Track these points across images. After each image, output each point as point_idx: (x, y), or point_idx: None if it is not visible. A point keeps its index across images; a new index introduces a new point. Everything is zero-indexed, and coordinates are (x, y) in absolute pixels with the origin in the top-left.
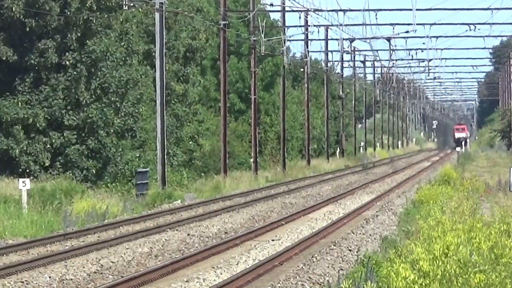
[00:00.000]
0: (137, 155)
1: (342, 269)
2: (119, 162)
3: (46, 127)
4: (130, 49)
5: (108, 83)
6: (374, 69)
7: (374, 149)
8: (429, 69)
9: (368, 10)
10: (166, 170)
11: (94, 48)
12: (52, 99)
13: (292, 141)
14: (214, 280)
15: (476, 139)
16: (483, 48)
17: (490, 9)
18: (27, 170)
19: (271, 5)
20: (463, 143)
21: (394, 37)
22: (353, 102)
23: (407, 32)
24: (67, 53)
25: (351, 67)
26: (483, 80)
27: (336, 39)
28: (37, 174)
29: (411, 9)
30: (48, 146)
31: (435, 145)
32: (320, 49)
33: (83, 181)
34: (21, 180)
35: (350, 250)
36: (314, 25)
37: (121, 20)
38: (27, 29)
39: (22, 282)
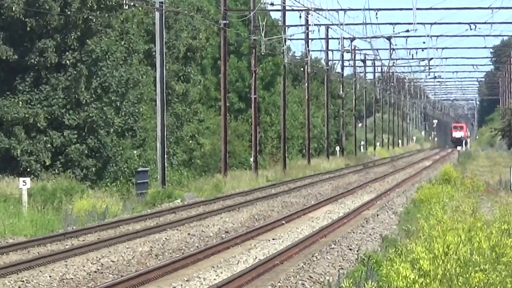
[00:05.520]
0: (137, 154)
1: (342, 268)
2: (119, 162)
3: (47, 126)
4: (131, 48)
5: (109, 82)
6: (374, 68)
7: (374, 148)
8: (429, 68)
9: (369, 9)
10: (166, 169)
11: (95, 47)
12: (52, 99)
13: (292, 140)
14: (214, 279)
15: (476, 138)
16: (483, 48)
17: (491, 8)
18: (28, 169)
19: (272, 4)
20: (463, 142)
21: (394, 36)
22: (354, 101)
23: (407, 31)
24: (67, 53)
25: (351, 66)
26: (483, 79)
27: (337, 38)
28: (38, 173)
29: (411, 9)
30: (49, 145)
31: (434, 144)
32: (321, 48)
33: (83, 180)
34: (21, 179)
35: (350, 249)
36: (315, 24)
37: (121, 19)
38: (27, 28)
39: (22, 281)
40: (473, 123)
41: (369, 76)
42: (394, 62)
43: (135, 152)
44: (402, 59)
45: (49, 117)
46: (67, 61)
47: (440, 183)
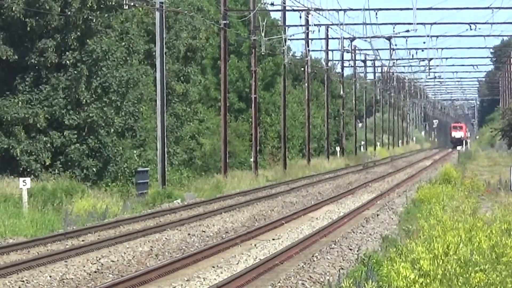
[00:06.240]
0: (138, 154)
1: (342, 268)
2: (120, 162)
3: (47, 126)
4: (131, 48)
5: (109, 82)
6: (374, 68)
7: (375, 148)
8: (429, 68)
9: (369, 9)
10: (166, 169)
11: (95, 47)
12: (52, 99)
13: (292, 140)
14: (215, 279)
15: (476, 138)
16: (483, 48)
17: (491, 8)
18: (28, 170)
19: (272, 4)
20: (463, 142)
21: (394, 36)
22: (354, 101)
23: (407, 31)
24: (67, 53)
25: (351, 66)
26: (483, 79)
27: (337, 38)
28: (38, 173)
29: (411, 9)
30: (49, 145)
31: (433, 144)
32: (321, 48)
33: (83, 180)
34: (21, 179)
35: (350, 249)
36: (315, 24)
37: (121, 19)
38: (28, 28)
39: (23, 281)
40: (473, 123)
41: (369, 76)
42: (394, 62)
43: (135, 152)
44: (402, 59)
45: (49, 117)
46: (67, 61)
47: (440, 183)
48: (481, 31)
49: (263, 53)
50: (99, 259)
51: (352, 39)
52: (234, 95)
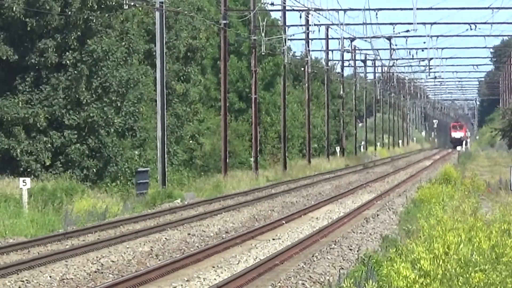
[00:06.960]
0: (138, 154)
1: (342, 268)
2: (120, 162)
3: (47, 126)
4: (131, 48)
5: (109, 82)
6: (374, 68)
7: (375, 148)
8: (429, 68)
9: (369, 9)
10: (166, 169)
11: (95, 47)
12: (52, 99)
13: (292, 140)
14: (215, 279)
15: (477, 138)
16: (483, 48)
17: (491, 8)
18: (28, 170)
19: (272, 4)
20: (463, 142)
21: (394, 36)
22: (354, 101)
23: (407, 31)
24: (67, 53)
25: (351, 66)
26: (483, 79)
27: (337, 38)
28: (38, 173)
29: (411, 9)
30: (49, 145)
31: (434, 144)
32: (321, 48)
33: (83, 181)
34: (21, 179)
35: (350, 249)
36: (315, 24)
37: (121, 19)
38: (28, 28)
39: (23, 281)
40: (473, 123)
41: (370, 76)
42: (394, 62)
43: (135, 152)
44: (402, 59)
45: (49, 117)
46: (68, 61)
47: (440, 183)
48: (481, 31)
49: (263, 53)
50: (99, 259)
51: (352, 39)
52: (234, 95)
